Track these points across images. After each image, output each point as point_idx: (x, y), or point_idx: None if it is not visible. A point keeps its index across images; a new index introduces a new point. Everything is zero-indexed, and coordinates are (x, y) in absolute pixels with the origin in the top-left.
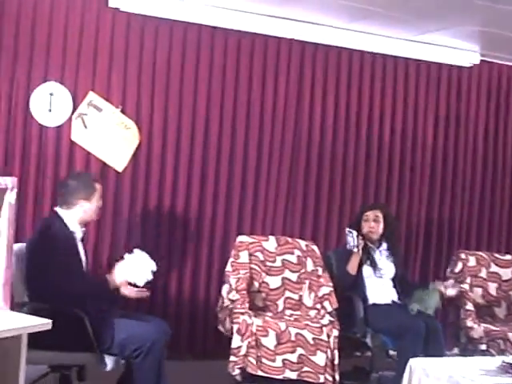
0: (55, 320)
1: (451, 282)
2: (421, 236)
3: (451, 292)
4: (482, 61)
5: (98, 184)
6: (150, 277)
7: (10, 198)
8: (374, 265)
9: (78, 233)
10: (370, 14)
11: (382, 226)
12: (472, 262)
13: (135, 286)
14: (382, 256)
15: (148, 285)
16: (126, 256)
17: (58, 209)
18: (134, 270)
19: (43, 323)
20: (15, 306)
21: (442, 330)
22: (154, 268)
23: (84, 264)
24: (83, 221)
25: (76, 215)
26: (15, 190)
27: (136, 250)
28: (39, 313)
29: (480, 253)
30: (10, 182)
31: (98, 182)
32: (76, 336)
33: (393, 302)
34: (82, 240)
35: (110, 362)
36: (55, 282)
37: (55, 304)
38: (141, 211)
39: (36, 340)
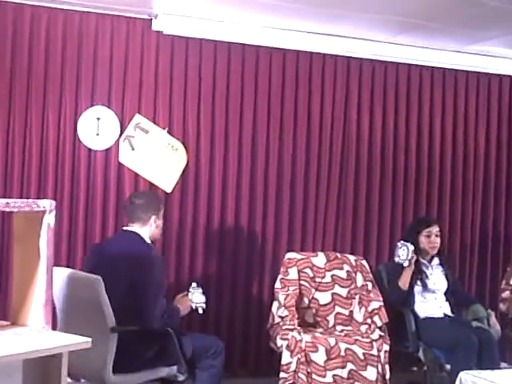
0: (144, 339)
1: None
2: (475, 249)
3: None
4: None
5: (162, 199)
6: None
7: (49, 219)
8: (425, 279)
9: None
10: (415, 27)
11: (439, 241)
12: None
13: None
14: (434, 270)
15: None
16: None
17: (131, 228)
18: (195, 300)
19: (83, 341)
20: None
21: (496, 342)
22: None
23: None
24: (153, 238)
25: (149, 232)
26: (53, 212)
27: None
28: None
29: None
30: (47, 204)
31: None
32: (162, 351)
33: (445, 315)
34: None
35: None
36: (152, 304)
37: (144, 326)
38: (190, 231)
39: (127, 363)
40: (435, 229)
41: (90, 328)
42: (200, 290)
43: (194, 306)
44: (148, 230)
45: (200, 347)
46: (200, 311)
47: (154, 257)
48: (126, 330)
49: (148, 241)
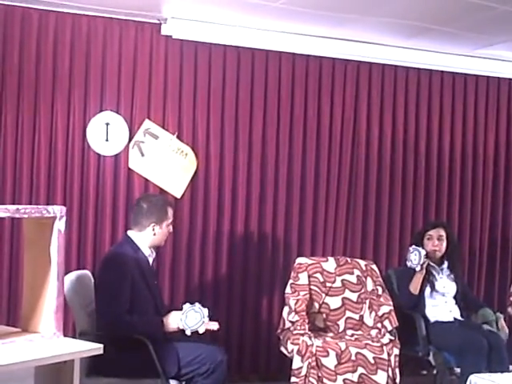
0: (121, 347)
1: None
2: (484, 254)
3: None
4: None
5: (170, 209)
6: (202, 330)
7: (60, 225)
8: (434, 283)
9: (150, 257)
10: (425, 31)
11: (444, 244)
12: None
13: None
14: (443, 275)
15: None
16: (184, 306)
17: (129, 232)
18: (186, 321)
19: (95, 348)
20: (79, 335)
21: (505, 345)
22: (206, 320)
23: (154, 288)
24: (153, 245)
25: (147, 238)
26: (64, 219)
27: (192, 305)
28: (104, 341)
29: None
30: (58, 210)
31: (172, 206)
32: (141, 362)
33: (455, 319)
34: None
35: None
36: (117, 312)
37: (119, 331)
38: (200, 236)
39: (102, 367)
40: (438, 232)
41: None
42: (194, 311)
43: (187, 329)
44: (146, 236)
45: (190, 362)
46: (187, 333)
47: (116, 255)
48: (95, 335)
49: (142, 245)
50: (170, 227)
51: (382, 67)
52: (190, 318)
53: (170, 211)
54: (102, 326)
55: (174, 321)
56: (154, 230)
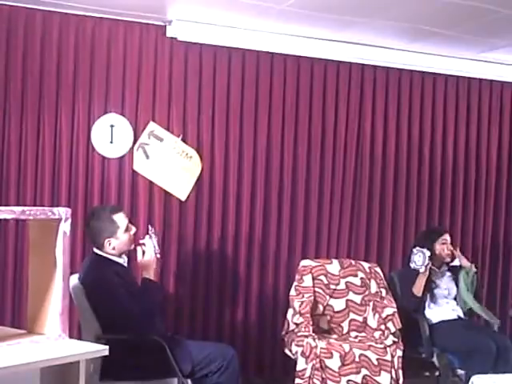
0: (134, 349)
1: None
2: (487, 255)
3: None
4: None
5: (119, 215)
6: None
7: (65, 227)
8: (436, 285)
9: (125, 262)
10: (430, 35)
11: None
12: None
13: None
14: (444, 276)
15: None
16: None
17: (95, 249)
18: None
19: (100, 349)
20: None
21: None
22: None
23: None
24: (120, 253)
25: (110, 252)
26: (69, 221)
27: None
28: (117, 344)
29: None
30: (63, 212)
31: (118, 211)
32: (156, 363)
33: (458, 317)
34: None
35: None
36: (118, 314)
37: (132, 334)
38: (205, 238)
39: (115, 371)
40: (448, 237)
41: (85, 334)
42: (153, 235)
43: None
44: (108, 251)
45: (203, 360)
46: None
47: (99, 279)
48: (111, 338)
49: (111, 257)
50: (131, 230)
51: (386, 70)
52: (151, 244)
53: (119, 218)
54: (122, 328)
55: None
56: (110, 244)
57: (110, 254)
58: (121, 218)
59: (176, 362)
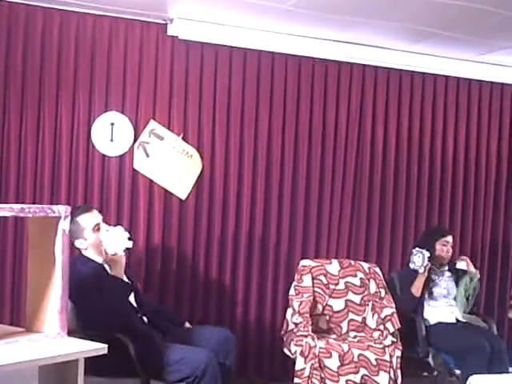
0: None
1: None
2: (485, 257)
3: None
4: None
5: (85, 216)
6: (129, 244)
7: (64, 225)
8: (436, 286)
9: (105, 263)
10: (431, 36)
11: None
12: None
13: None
14: (444, 277)
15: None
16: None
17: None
18: (113, 241)
19: (99, 348)
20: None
21: (506, 348)
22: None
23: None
24: (96, 252)
25: (86, 253)
26: (68, 218)
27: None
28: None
29: None
30: (62, 210)
31: (84, 211)
32: (123, 361)
33: (457, 320)
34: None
35: None
36: (90, 312)
37: (102, 331)
38: (205, 237)
39: (90, 366)
40: (451, 239)
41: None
42: (116, 231)
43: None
44: (84, 252)
45: (174, 363)
46: (120, 253)
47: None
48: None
49: (91, 257)
50: (99, 230)
51: (387, 71)
52: (109, 241)
53: (85, 218)
54: (91, 326)
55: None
56: (81, 244)
57: (86, 252)
58: (86, 219)
59: (142, 363)
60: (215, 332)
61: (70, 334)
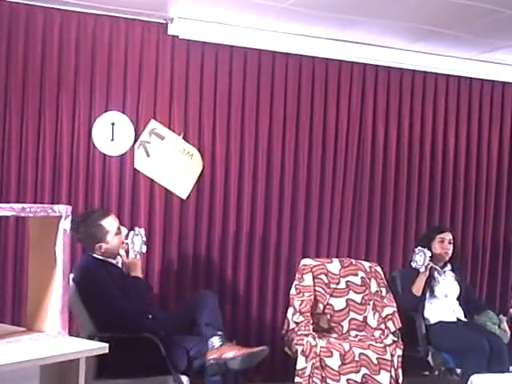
0: (129, 346)
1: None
2: (487, 255)
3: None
4: None
5: (107, 219)
6: (144, 249)
7: (65, 225)
8: (438, 285)
9: (117, 263)
10: (432, 34)
11: (452, 247)
12: None
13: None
14: (446, 276)
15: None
16: (129, 235)
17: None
18: (135, 248)
19: (100, 347)
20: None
21: (506, 347)
22: (145, 238)
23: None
24: (112, 256)
25: (101, 255)
26: (69, 218)
27: (132, 230)
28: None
29: None
30: (63, 209)
31: (106, 215)
32: (150, 360)
33: (458, 319)
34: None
35: (186, 381)
36: (112, 313)
37: (125, 332)
38: (206, 237)
39: (110, 369)
40: (448, 236)
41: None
42: (135, 235)
43: (136, 255)
44: (99, 254)
45: (198, 352)
46: (143, 251)
47: (90, 267)
48: (105, 337)
49: (106, 259)
50: (120, 234)
51: (387, 70)
52: (136, 243)
53: (108, 222)
54: (110, 326)
55: (132, 257)
56: (101, 248)
57: (103, 255)
58: (110, 223)
59: (170, 359)
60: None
61: (90, 338)
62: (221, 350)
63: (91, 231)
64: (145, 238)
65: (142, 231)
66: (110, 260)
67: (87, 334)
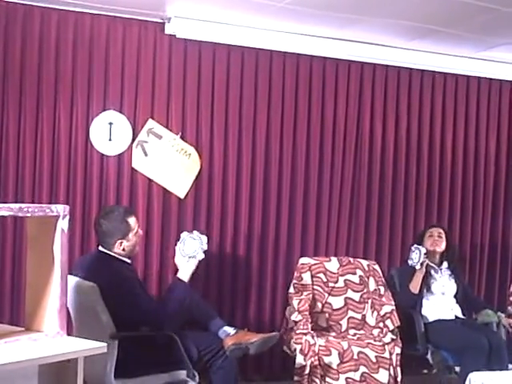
0: (148, 345)
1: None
2: (485, 254)
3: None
4: None
5: (131, 217)
6: (201, 257)
7: (63, 224)
8: (434, 283)
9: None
10: (429, 33)
11: (444, 243)
12: None
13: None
14: (443, 274)
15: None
16: (182, 235)
17: (101, 248)
18: (184, 249)
19: (98, 346)
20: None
21: (505, 345)
22: (205, 247)
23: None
24: (127, 255)
25: (118, 253)
26: (67, 218)
27: (189, 232)
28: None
29: None
30: (61, 209)
31: (132, 214)
32: (168, 357)
33: (456, 317)
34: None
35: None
36: (140, 312)
37: (153, 330)
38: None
39: (131, 369)
40: (438, 230)
41: (93, 334)
42: (192, 238)
43: (184, 257)
44: (116, 252)
45: (206, 347)
46: (199, 258)
47: (114, 267)
48: (125, 336)
49: (121, 258)
50: (139, 232)
51: (385, 68)
52: (188, 246)
53: (132, 220)
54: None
55: (178, 258)
56: (121, 245)
57: (118, 253)
58: (134, 221)
59: (186, 353)
60: None
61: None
62: (237, 336)
63: (115, 226)
64: (205, 246)
65: (204, 239)
66: (124, 259)
67: (108, 334)
